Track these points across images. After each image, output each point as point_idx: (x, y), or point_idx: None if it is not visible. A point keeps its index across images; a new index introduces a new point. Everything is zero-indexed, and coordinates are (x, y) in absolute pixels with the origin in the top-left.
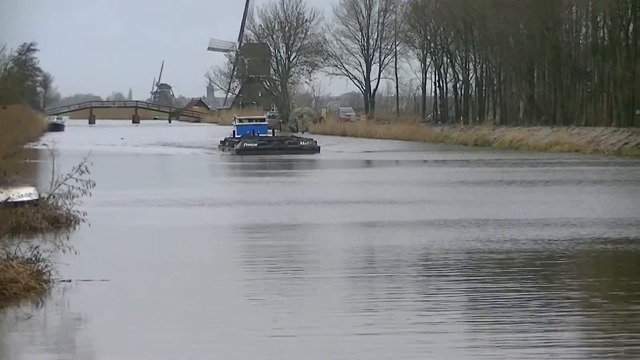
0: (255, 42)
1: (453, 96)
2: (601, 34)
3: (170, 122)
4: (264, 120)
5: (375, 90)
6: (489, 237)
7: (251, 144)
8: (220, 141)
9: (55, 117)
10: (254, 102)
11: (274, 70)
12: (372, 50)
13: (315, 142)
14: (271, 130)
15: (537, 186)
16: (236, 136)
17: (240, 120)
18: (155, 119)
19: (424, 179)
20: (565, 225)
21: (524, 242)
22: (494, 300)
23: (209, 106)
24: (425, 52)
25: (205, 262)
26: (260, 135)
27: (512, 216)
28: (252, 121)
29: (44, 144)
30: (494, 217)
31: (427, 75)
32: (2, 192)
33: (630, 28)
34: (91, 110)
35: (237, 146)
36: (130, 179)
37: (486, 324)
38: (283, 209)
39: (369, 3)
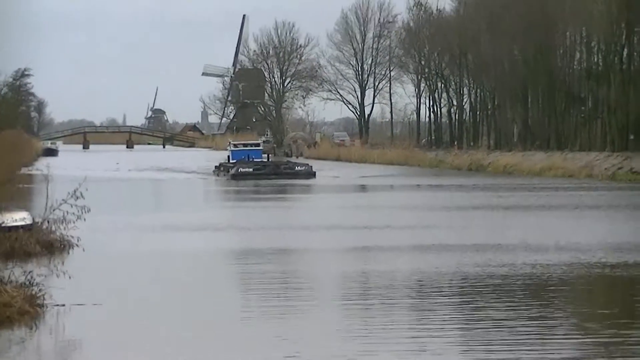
0: (249, 67)
1: (447, 121)
2: (595, 59)
3: (164, 147)
4: (258, 145)
5: (369, 115)
6: (486, 261)
7: (246, 169)
8: (215, 166)
9: (50, 142)
10: (248, 127)
11: (269, 95)
12: (366, 75)
13: (311, 167)
14: (266, 155)
15: (534, 211)
16: (231, 161)
17: (235, 145)
18: (149, 144)
19: (420, 203)
20: (564, 250)
21: (521, 266)
22: (491, 323)
23: (203, 131)
24: (419, 77)
25: (199, 288)
26: (255, 160)
27: (510, 241)
28: (247, 146)
29: (37, 169)
30: (493, 242)
31: (422, 100)
32: None
33: (625, 53)
34: (85, 135)
35: (232, 171)
36: (125, 204)
37: (482, 345)
38: (279, 234)
39: (363, 29)
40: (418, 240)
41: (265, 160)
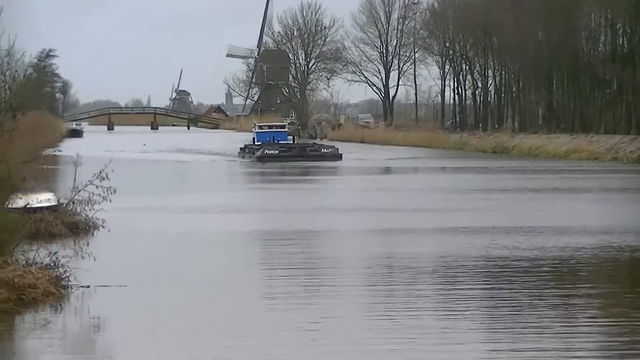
0: (274, 48)
1: (472, 103)
2: (620, 42)
3: (188, 128)
4: (284, 127)
5: (394, 97)
6: (517, 244)
7: (272, 151)
8: (240, 148)
9: (74, 123)
10: (272, 108)
11: (293, 77)
12: (390, 57)
13: (337, 149)
14: (291, 137)
15: (563, 194)
16: (256, 143)
17: (260, 127)
18: (173, 125)
19: (447, 186)
20: (593, 233)
21: (551, 249)
22: (526, 305)
23: (227, 113)
24: (444, 59)
25: (224, 269)
26: (280, 142)
27: (541, 223)
28: (272, 128)
29: (61, 151)
30: (522, 224)
31: (446, 82)
32: (21, 198)
33: None
34: (110, 116)
35: (258, 153)
36: (150, 186)
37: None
38: (305, 216)
39: (388, 10)
40: (447, 222)
41: (291, 142)
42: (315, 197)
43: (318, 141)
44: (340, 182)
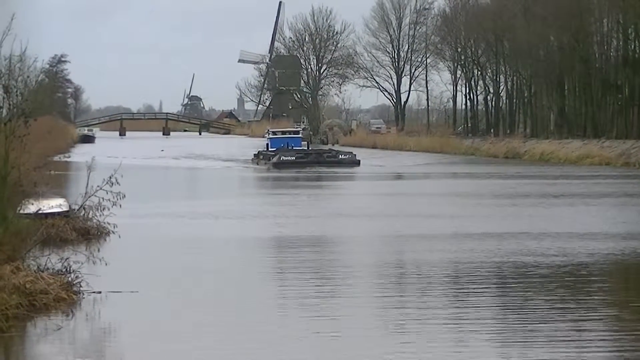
0: (285, 54)
1: (484, 108)
2: (632, 47)
3: (200, 134)
4: (298, 132)
5: (405, 102)
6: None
7: (288, 158)
8: (254, 154)
9: (86, 128)
10: (284, 114)
11: (305, 82)
12: (402, 62)
13: (355, 155)
14: (305, 143)
15: (585, 199)
16: (270, 149)
17: (274, 133)
18: (185, 130)
19: (470, 191)
20: (619, 238)
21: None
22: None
23: (239, 118)
24: (455, 64)
25: (236, 275)
26: (296, 148)
27: (571, 229)
28: (285, 134)
29: (71, 157)
30: (553, 230)
31: (458, 88)
32: (32, 204)
33: None
34: (121, 122)
35: (274, 159)
36: (164, 192)
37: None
38: (324, 222)
39: (400, 15)
40: (471, 229)
41: (306, 148)
42: (337, 202)
43: (334, 147)
44: (361, 188)
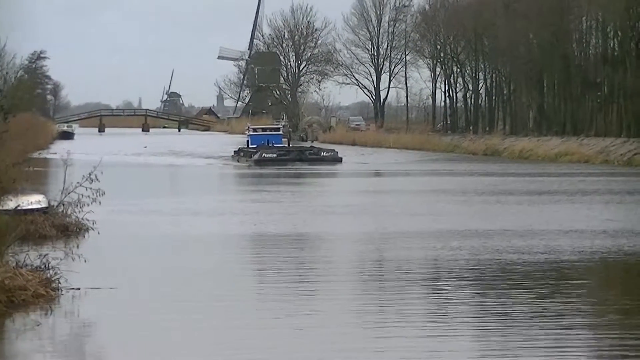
0: (265, 51)
1: (463, 106)
2: (611, 44)
3: (179, 130)
4: (279, 129)
5: (385, 99)
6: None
7: (270, 155)
8: (234, 151)
9: (65, 125)
10: (263, 110)
11: (284, 79)
12: (382, 59)
13: (337, 152)
14: (286, 140)
15: (576, 196)
16: (250, 146)
17: (254, 130)
18: (164, 127)
19: (454, 188)
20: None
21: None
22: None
23: (218, 115)
24: (435, 61)
25: (215, 271)
26: (277, 145)
27: (557, 227)
28: (266, 130)
29: (52, 153)
30: (540, 228)
31: (437, 85)
32: (11, 200)
33: None
34: (101, 118)
35: (255, 157)
36: (144, 189)
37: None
38: (306, 220)
39: (379, 12)
40: (469, 225)
41: (288, 145)
42: (321, 200)
43: (315, 144)
44: (345, 185)
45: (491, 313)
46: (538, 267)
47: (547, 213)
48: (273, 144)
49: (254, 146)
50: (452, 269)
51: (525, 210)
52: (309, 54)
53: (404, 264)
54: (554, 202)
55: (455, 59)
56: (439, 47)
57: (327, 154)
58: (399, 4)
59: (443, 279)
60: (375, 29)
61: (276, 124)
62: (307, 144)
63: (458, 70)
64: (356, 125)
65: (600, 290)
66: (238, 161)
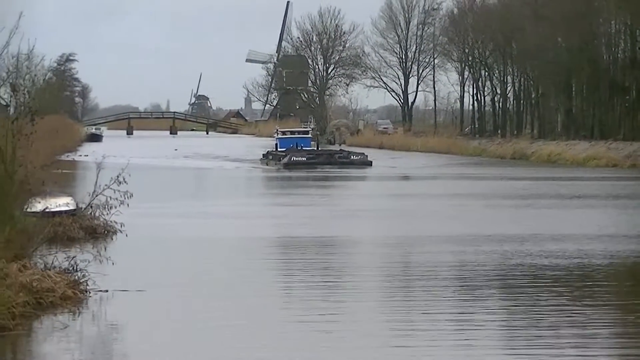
0: (293, 54)
1: (491, 109)
2: None
3: (207, 133)
4: (307, 132)
5: (412, 103)
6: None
7: (299, 158)
8: (263, 154)
9: (94, 127)
10: (291, 114)
11: (312, 82)
12: (410, 63)
13: (367, 156)
14: (314, 143)
15: (606, 200)
16: (279, 149)
17: (283, 133)
18: (192, 130)
19: (488, 192)
20: None
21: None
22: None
23: (246, 118)
24: (463, 65)
25: (243, 276)
26: (307, 148)
27: (590, 231)
28: (295, 134)
29: (85, 155)
30: (575, 232)
31: (465, 88)
32: (39, 202)
33: None
34: (129, 121)
35: (285, 160)
36: (174, 192)
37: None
38: (338, 223)
39: (408, 16)
40: (503, 229)
41: (316, 148)
42: (350, 202)
43: (343, 147)
44: (375, 188)
45: (518, 320)
46: (568, 271)
47: (580, 217)
48: (302, 147)
49: (283, 149)
50: (484, 273)
51: (556, 215)
52: (337, 57)
53: (435, 268)
54: (585, 206)
55: (483, 63)
56: (467, 50)
57: (356, 158)
58: (428, 7)
59: (473, 283)
60: (404, 32)
61: (305, 127)
62: (336, 148)
63: (486, 73)
64: (384, 128)
65: (630, 296)
66: (267, 164)
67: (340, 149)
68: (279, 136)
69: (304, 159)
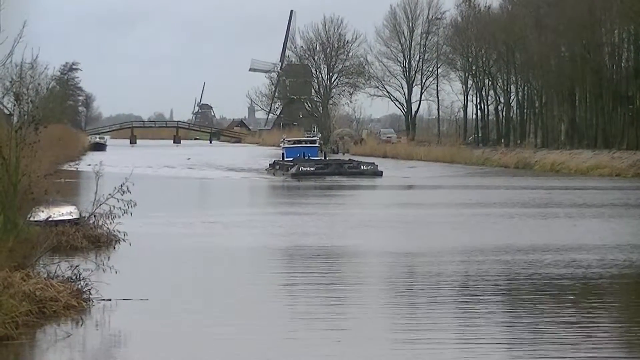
0: (296, 63)
1: (494, 118)
2: None
3: (211, 142)
4: (314, 142)
5: (416, 112)
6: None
7: (308, 168)
8: (269, 164)
9: (97, 136)
10: (294, 123)
11: (315, 91)
12: (413, 72)
13: (377, 166)
14: (322, 153)
15: (624, 210)
16: (286, 159)
17: (290, 142)
18: (196, 139)
19: (502, 201)
20: None
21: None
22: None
23: (249, 127)
24: (466, 74)
25: (247, 285)
26: (314, 158)
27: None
28: (302, 143)
29: (88, 165)
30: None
31: (469, 98)
32: (43, 211)
33: None
34: (132, 130)
35: (293, 170)
36: (179, 201)
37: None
38: (348, 232)
39: (412, 25)
40: (513, 239)
41: (324, 158)
42: (361, 212)
43: (347, 156)
44: (387, 198)
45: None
46: (588, 281)
47: (599, 227)
48: (309, 156)
49: (290, 159)
50: (507, 284)
51: (574, 224)
52: (341, 66)
53: (458, 278)
54: (599, 215)
55: (487, 72)
56: (470, 59)
57: (366, 168)
58: (432, 16)
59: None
60: (407, 41)
61: (312, 137)
62: (345, 157)
63: (490, 83)
64: (387, 137)
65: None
66: (274, 174)
67: (350, 159)
68: (286, 145)
69: (313, 169)
